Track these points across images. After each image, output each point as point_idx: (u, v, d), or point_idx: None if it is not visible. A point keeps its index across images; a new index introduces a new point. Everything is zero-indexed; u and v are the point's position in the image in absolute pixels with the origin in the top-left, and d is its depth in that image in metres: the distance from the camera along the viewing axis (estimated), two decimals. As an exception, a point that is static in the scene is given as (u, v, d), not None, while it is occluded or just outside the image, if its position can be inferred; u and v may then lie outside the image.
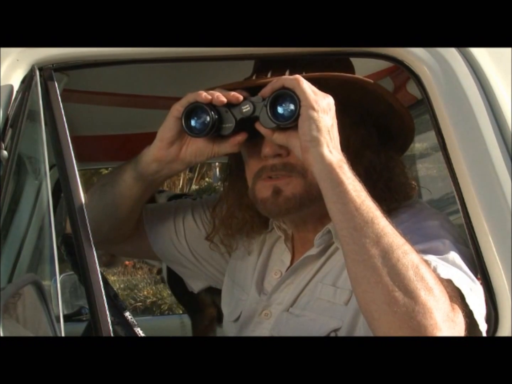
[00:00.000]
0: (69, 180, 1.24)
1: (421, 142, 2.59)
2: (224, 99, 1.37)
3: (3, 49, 1.28)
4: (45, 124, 1.24)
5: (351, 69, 1.57)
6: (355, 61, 1.57)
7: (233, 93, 1.38)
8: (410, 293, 1.14)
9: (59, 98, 1.29)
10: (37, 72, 1.27)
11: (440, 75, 1.36)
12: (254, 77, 1.52)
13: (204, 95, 1.38)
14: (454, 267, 1.26)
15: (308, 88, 1.30)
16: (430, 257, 1.24)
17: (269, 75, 1.48)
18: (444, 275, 1.21)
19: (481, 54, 1.38)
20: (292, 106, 1.30)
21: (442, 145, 1.36)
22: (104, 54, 1.34)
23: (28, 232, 2.53)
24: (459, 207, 1.35)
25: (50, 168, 1.32)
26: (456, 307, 1.18)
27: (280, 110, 1.32)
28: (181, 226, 1.77)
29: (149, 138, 1.50)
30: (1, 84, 1.27)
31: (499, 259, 1.29)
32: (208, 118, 1.37)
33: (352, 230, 1.20)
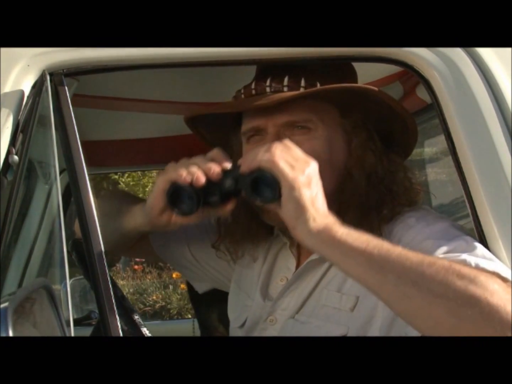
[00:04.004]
0: (79, 185, 1.24)
1: (431, 147, 2.59)
2: (203, 180, 1.31)
3: (14, 55, 1.29)
4: (56, 129, 1.24)
5: (352, 74, 1.56)
6: (364, 65, 1.57)
7: (212, 169, 1.32)
8: (468, 301, 1.05)
9: (70, 103, 1.29)
10: (48, 77, 1.28)
11: (449, 79, 1.36)
12: (253, 85, 1.52)
13: (184, 177, 1.32)
14: (487, 260, 1.21)
15: (285, 167, 1.23)
16: (464, 256, 1.19)
17: (268, 81, 1.48)
18: (490, 269, 1.15)
19: (489, 55, 1.37)
20: (273, 185, 1.25)
21: (452, 150, 1.36)
22: (114, 59, 1.35)
23: (38, 237, 2.54)
24: (469, 212, 1.34)
25: (60, 172, 1.33)
26: None
27: (261, 189, 1.27)
28: (184, 230, 1.77)
29: (159, 143, 1.50)
30: (12, 90, 1.28)
31: (510, 265, 1.28)
32: (192, 200, 1.34)
33: (375, 282, 1.13)
